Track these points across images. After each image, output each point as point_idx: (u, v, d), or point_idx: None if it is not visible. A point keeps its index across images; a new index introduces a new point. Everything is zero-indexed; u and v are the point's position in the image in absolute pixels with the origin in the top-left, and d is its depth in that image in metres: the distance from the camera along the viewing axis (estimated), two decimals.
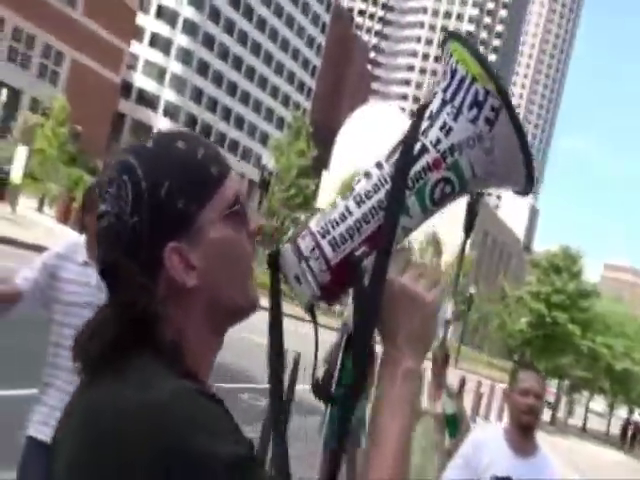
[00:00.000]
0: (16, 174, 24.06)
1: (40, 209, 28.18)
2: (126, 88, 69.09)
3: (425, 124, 1.01)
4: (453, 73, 1.00)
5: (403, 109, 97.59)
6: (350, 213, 1.00)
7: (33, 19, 53.52)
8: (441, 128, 1.00)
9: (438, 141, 1.00)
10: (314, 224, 1.01)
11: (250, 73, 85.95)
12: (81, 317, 2.70)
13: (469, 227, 17.04)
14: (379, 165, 1.02)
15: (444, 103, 1.01)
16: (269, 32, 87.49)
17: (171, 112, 75.61)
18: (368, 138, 74.45)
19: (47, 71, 56.60)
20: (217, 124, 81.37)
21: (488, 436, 3.35)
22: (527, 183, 1.02)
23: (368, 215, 1.00)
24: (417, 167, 1.00)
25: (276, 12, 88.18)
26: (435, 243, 59.25)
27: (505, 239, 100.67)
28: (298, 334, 5.02)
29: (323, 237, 0.99)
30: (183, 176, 0.91)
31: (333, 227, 1.00)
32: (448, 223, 61.41)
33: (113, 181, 0.92)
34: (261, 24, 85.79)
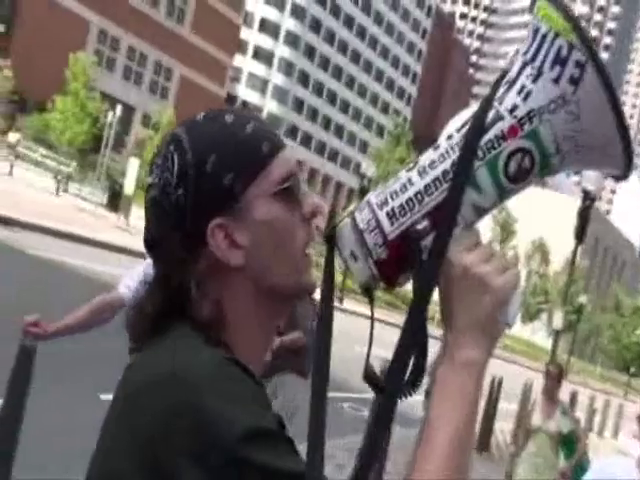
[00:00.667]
0: (129, 186, 25.35)
1: None
2: (230, 100, 71.23)
3: (501, 91, 0.88)
4: (535, 32, 0.87)
5: None
6: (412, 184, 0.88)
7: (146, 38, 56.28)
8: (519, 92, 0.87)
9: (515, 107, 0.86)
10: (374, 196, 0.90)
11: (350, 82, 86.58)
12: None
13: (581, 234, 16.43)
14: (449, 137, 0.90)
15: (524, 66, 0.87)
16: (369, 40, 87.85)
17: (273, 122, 77.19)
18: None
19: (158, 87, 59.29)
20: (318, 133, 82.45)
21: (617, 471, 2.92)
22: (624, 161, 0.86)
23: (431, 186, 0.88)
24: (489, 135, 0.86)
25: (376, 20, 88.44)
26: (542, 251, 57.48)
27: (618, 246, 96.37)
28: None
29: (381, 208, 0.88)
30: (231, 150, 0.88)
31: (392, 198, 0.88)
32: (555, 230, 59.63)
33: (161, 153, 0.90)
34: (361, 32, 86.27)
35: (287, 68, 78.39)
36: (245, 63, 75.68)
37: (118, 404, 0.84)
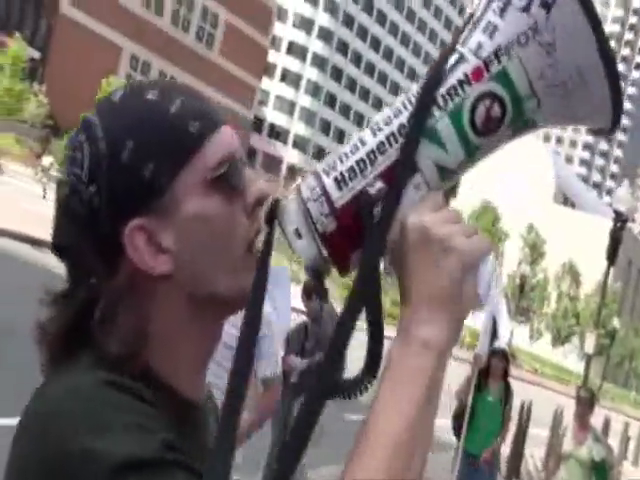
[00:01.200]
0: None
1: None
2: (258, 123, 71.91)
3: (465, 33, 0.76)
4: None
5: None
6: (363, 144, 0.75)
7: (175, 62, 57.27)
8: (484, 30, 0.74)
9: (479, 46, 0.74)
10: (322, 163, 0.77)
11: (377, 103, 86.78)
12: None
13: (613, 255, 16.24)
14: (406, 92, 0.77)
15: (489, 1, 0.75)
16: (395, 61, 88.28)
17: (300, 144, 77.73)
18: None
19: None
20: (349, 129, 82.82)
21: None
22: (611, 102, 0.72)
23: (385, 144, 0.74)
24: (451, 80, 0.74)
25: (403, 41, 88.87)
26: (572, 272, 56.69)
27: None
28: None
29: (328, 174, 0.74)
30: (152, 135, 0.74)
31: (341, 161, 0.75)
32: (586, 252, 58.54)
33: (70, 143, 0.77)
34: (387, 54, 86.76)
35: (314, 90, 79.02)
36: (273, 86, 76.49)
37: (13, 438, 0.72)
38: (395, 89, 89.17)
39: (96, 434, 0.64)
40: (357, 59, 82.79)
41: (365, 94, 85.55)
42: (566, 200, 71.91)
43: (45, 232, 9.98)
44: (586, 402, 5.58)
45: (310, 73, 78.52)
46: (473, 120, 0.73)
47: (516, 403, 10.56)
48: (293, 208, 0.74)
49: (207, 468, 0.67)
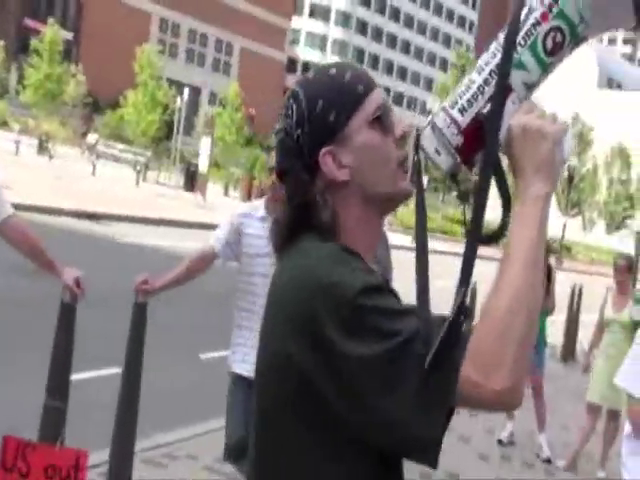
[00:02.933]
0: (203, 164, 26.73)
1: (226, 193, 31.14)
2: (291, 63, 71.89)
3: None
4: None
5: None
6: (473, 82, 1.10)
7: (204, 18, 57.96)
8: None
9: None
10: (446, 102, 1.12)
11: (409, 21, 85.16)
12: (265, 265, 3.08)
13: None
14: (497, 38, 1.10)
15: None
16: None
17: None
18: None
19: (220, 64, 61.13)
20: (380, 79, 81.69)
21: None
22: (636, 13, 1.05)
23: (488, 78, 1.08)
24: (527, 26, 1.07)
25: None
26: (622, 156, 54.67)
27: None
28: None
29: (452, 107, 1.10)
30: (334, 94, 1.13)
31: (460, 97, 1.10)
32: (636, 133, 55.88)
33: (284, 105, 1.17)
34: None
35: (344, 20, 78.24)
36: (303, 23, 76.16)
37: (271, 306, 1.12)
38: (425, 2, 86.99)
39: (344, 274, 1.03)
40: None
41: (395, 13, 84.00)
42: (611, 82, 69.38)
43: (100, 206, 12.90)
44: (623, 269, 5.73)
45: (338, 3, 77.72)
46: (545, 47, 1.08)
47: (567, 289, 10.42)
48: (430, 135, 1.12)
49: (418, 305, 1.04)
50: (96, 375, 5.48)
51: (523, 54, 1.08)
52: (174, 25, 58.50)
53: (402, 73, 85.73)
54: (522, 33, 1.08)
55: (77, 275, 3.02)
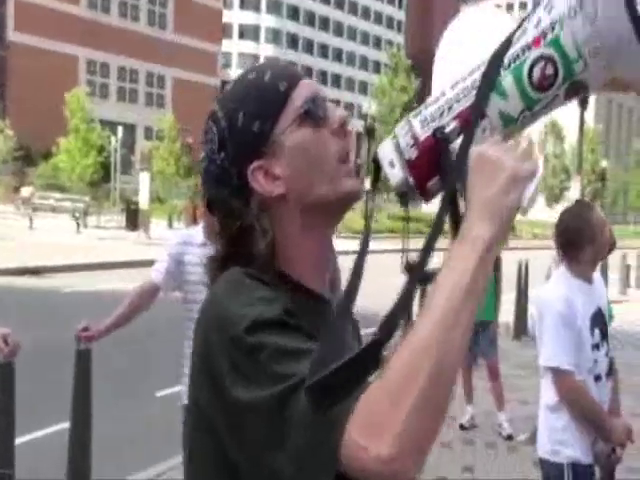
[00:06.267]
0: (143, 201, 26.47)
1: (170, 225, 30.75)
2: (225, 86, 71.81)
3: (530, 12, 0.96)
4: None
5: (499, 6, 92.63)
6: (443, 94, 0.98)
7: (133, 54, 57.56)
8: (545, 7, 0.94)
9: (539, 21, 0.93)
10: (411, 113, 1.01)
11: (338, 28, 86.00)
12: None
13: (584, 98, 16.42)
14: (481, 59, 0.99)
15: None
16: None
17: None
18: (468, 50, 71.99)
19: (153, 98, 60.71)
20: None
21: None
22: None
23: (460, 94, 0.97)
24: (516, 48, 0.94)
25: None
26: (555, 131, 55.64)
27: (633, 101, 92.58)
28: None
29: (415, 117, 0.99)
30: (254, 102, 1.00)
31: (425, 108, 0.99)
32: (565, 108, 57.28)
33: (204, 130, 1.04)
34: None
35: (274, 36, 78.62)
36: (233, 45, 76.31)
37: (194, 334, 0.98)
38: (353, 8, 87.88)
39: (237, 305, 0.90)
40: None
41: (325, 23, 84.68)
42: None
43: (41, 259, 12.20)
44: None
45: (267, 20, 77.98)
46: (531, 76, 0.92)
47: (513, 266, 10.31)
48: (388, 145, 0.99)
49: (323, 336, 0.85)
50: (44, 433, 5.30)
51: (505, 77, 0.94)
52: (103, 65, 57.98)
53: (336, 81, 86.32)
54: (510, 54, 0.94)
55: (3, 332, 2.94)
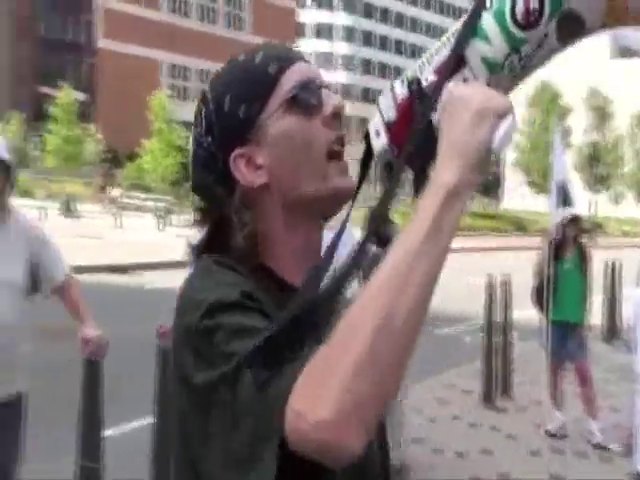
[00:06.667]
0: None
1: None
2: None
3: None
4: None
5: None
6: (426, 50, 0.88)
7: (211, 56, 58.88)
8: None
9: None
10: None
11: (413, 25, 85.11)
12: None
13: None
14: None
15: None
16: None
17: (344, 92, 77.99)
18: None
19: None
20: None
21: None
22: None
23: (441, 47, 0.86)
24: None
25: None
26: (548, 90, 49.44)
27: None
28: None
29: (398, 77, 0.89)
30: (242, 85, 0.94)
31: (409, 68, 0.89)
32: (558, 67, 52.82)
33: (195, 113, 0.99)
34: None
35: (349, 34, 78.71)
36: (308, 44, 76.91)
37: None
38: (428, 2, 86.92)
39: (199, 291, 0.87)
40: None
41: (399, 21, 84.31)
42: (624, 51, 68.03)
43: (128, 257, 13.63)
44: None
45: (341, 19, 78.22)
46: (513, 12, 0.80)
47: (602, 270, 10.05)
48: (376, 114, 0.89)
49: (282, 314, 0.80)
50: (130, 428, 5.39)
51: (487, 18, 0.82)
52: (184, 69, 59.48)
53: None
54: None
55: (94, 333, 3.02)
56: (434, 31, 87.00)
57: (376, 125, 0.89)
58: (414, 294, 0.74)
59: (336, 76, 77.11)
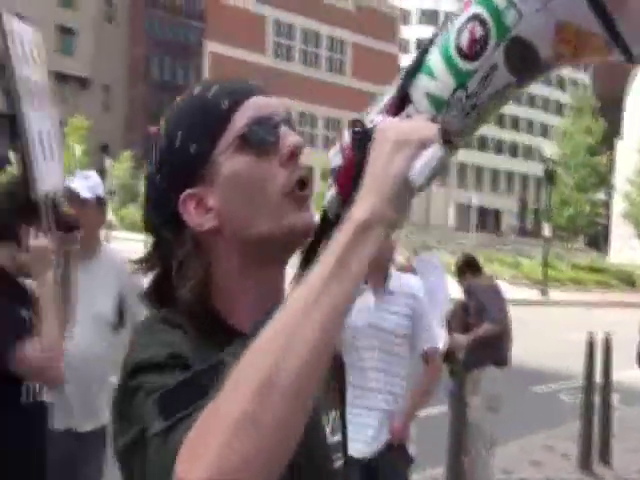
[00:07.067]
0: None
1: None
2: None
3: None
4: None
5: None
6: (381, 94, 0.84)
7: (313, 99, 60.21)
8: None
9: None
10: None
11: None
12: (370, 338, 3.21)
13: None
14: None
15: None
16: None
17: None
18: None
19: (329, 141, 62.80)
20: (490, 132, 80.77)
21: None
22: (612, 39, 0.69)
23: (389, 88, 0.83)
24: (444, 19, 0.80)
25: None
26: None
27: None
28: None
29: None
30: (193, 120, 0.88)
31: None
32: None
33: (147, 149, 0.94)
34: None
35: None
36: (411, 31, 77.08)
37: None
38: None
39: (134, 351, 0.83)
40: None
41: None
42: None
43: None
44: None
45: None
46: (458, 42, 0.76)
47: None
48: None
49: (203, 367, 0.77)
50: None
51: (433, 54, 0.79)
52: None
53: (514, 123, 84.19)
54: (438, 29, 0.80)
55: None
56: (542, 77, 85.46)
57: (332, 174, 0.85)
58: (307, 346, 0.68)
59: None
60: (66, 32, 55.46)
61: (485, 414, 5.07)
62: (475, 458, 5.02)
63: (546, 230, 28.26)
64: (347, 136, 0.82)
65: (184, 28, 57.45)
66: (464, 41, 0.76)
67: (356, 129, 0.80)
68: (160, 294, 0.92)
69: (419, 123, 0.77)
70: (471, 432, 5.00)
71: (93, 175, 3.06)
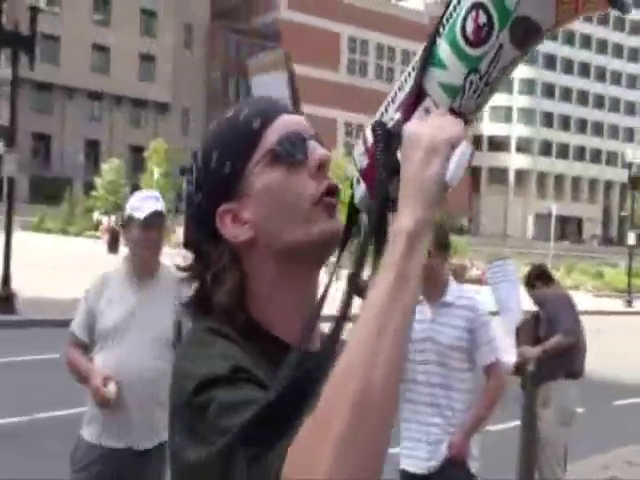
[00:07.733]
0: None
1: None
2: (476, 140, 71.11)
3: None
4: None
5: None
6: (390, 91, 0.86)
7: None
8: None
9: None
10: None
11: (600, 74, 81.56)
12: (426, 351, 3.19)
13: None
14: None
15: None
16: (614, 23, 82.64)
17: (523, 146, 75.63)
18: None
19: None
20: (573, 139, 78.29)
21: None
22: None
23: (403, 83, 0.84)
24: (449, 9, 0.81)
25: None
26: None
27: None
28: None
29: (370, 124, 0.86)
30: (227, 141, 0.97)
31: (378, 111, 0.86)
32: None
33: (187, 170, 1.02)
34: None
35: (528, 86, 76.81)
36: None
37: None
38: (618, 51, 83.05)
39: (190, 366, 0.87)
40: (568, 38, 79.06)
41: (584, 68, 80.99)
42: None
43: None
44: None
45: (521, 71, 76.67)
46: (464, 31, 0.79)
47: None
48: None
49: (275, 381, 0.80)
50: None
51: (440, 45, 0.81)
52: (359, 127, 61.11)
53: (597, 129, 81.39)
54: (443, 19, 0.82)
55: None
56: (627, 80, 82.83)
57: (356, 174, 0.89)
58: (388, 363, 0.72)
59: (513, 129, 75.56)
60: (147, 59, 57.49)
61: (557, 428, 4.93)
62: (547, 474, 4.89)
63: (631, 238, 27.27)
64: (370, 136, 0.85)
65: (260, 49, 58.70)
66: (470, 30, 0.79)
67: (377, 128, 0.83)
68: (200, 305, 0.97)
69: (443, 122, 0.79)
70: (542, 447, 4.88)
71: (155, 195, 3.12)
